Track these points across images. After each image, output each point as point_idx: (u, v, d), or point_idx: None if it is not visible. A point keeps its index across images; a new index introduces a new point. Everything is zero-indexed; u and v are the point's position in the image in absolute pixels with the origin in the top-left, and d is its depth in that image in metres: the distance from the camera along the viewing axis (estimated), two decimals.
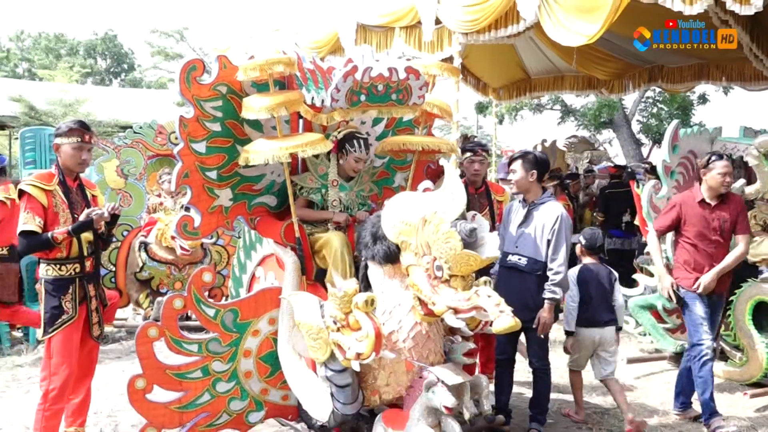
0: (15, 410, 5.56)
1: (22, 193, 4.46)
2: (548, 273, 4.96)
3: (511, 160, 5.35)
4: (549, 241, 4.96)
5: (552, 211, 5.00)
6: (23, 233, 4.40)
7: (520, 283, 4.98)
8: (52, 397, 4.40)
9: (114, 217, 4.72)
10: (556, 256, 4.94)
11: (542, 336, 5.00)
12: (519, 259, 5.01)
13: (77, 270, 4.54)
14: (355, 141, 4.85)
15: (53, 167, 4.64)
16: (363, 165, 4.97)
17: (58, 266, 4.50)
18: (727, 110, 39.64)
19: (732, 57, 10.18)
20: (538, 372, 5.15)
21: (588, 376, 5.63)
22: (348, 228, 4.92)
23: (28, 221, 4.37)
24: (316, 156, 4.87)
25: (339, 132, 4.93)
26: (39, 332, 4.63)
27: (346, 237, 4.71)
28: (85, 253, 4.58)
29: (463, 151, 6.09)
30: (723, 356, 6.63)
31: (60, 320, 4.45)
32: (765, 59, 9.52)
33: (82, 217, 4.54)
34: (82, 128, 4.62)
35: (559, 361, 6.01)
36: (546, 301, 4.91)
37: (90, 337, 4.63)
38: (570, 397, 5.76)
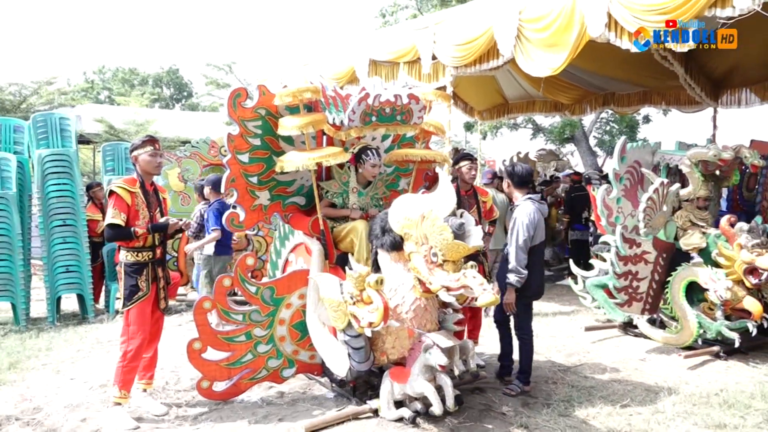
0: (99, 367, 5.59)
1: (111, 193, 4.48)
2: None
3: (503, 175, 5.38)
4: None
5: (525, 210, 4.91)
6: (110, 225, 4.42)
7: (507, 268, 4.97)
8: (130, 357, 4.42)
9: (180, 230, 4.77)
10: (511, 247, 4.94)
11: (515, 311, 4.97)
12: (506, 249, 5.02)
13: (150, 256, 4.56)
14: (369, 151, 4.86)
15: (135, 174, 4.63)
16: (378, 169, 4.97)
17: (136, 253, 4.51)
18: (666, 128, 39.42)
19: (670, 85, 10.15)
20: (523, 338, 5.06)
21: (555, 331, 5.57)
22: None
23: (114, 216, 4.39)
24: (341, 167, 4.88)
25: (354, 148, 4.94)
26: (119, 305, 4.64)
27: (368, 223, 4.71)
28: (156, 244, 4.60)
29: (457, 161, 6.07)
30: (662, 325, 6.60)
31: (136, 296, 4.47)
32: (696, 87, 9.50)
33: (162, 221, 4.60)
34: (153, 139, 4.64)
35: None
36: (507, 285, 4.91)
37: (158, 309, 4.65)
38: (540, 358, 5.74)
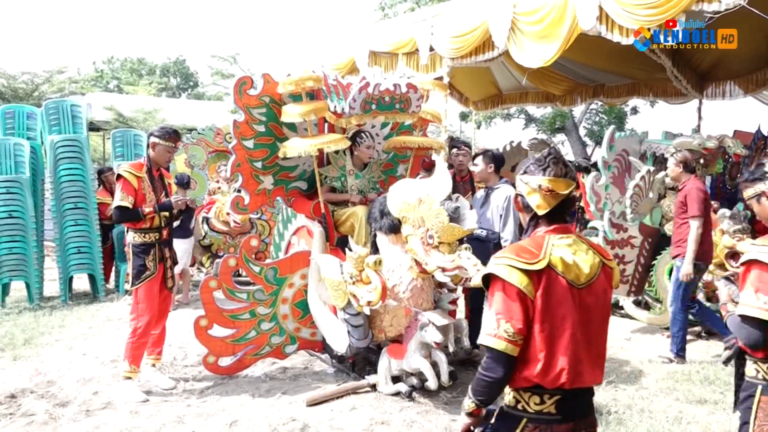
0: (109, 343, 5.61)
1: (119, 177, 4.47)
2: (501, 241, 4.97)
3: (475, 155, 5.28)
4: (501, 216, 4.96)
5: (503, 193, 4.96)
6: (118, 207, 4.41)
7: (482, 249, 4.95)
8: (139, 333, 4.43)
9: (188, 208, 4.76)
10: (505, 227, 4.94)
11: None
12: (481, 231, 4.96)
13: (157, 237, 4.56)
14: (363, 134, 4.86)
15: (143, 159, 4.61)
16: (372, 151, 4.96)
17: (143, 234, 4.51)
18: (653, 119, 39.39)
19: (658, 78, 10.10)
20: None
21: None
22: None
23: (123, 198, 4.38)
24: (337, 152, 4.87)
25: (349, 132, 4.92)
26: (128, 284, 4.65)
27: (367, 207, 4.72)
28: (162, 225, 4.59)
29: (451, 147, 6.07)
30: (647, 306, 6.64)
31: (144, 275, 4.47)
32: (683, 80, 9.47)
33: (166, 201, 4.60)
34: (176, 136, 4.64)
35: None
36: None
37: (165, 288, 4.66)
38: None
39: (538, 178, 2.03)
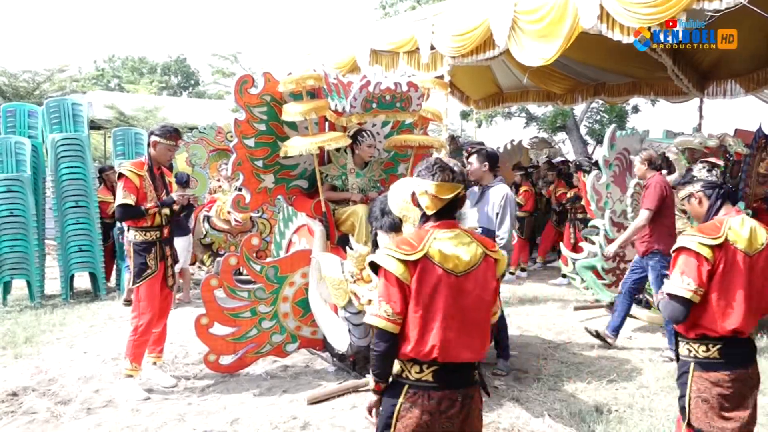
0: (111, 341, 5.62)
1: (120, 175, 4.46)
2: (495, 238, 4.97)
3: (468, 154, 5.20)
4: (497, 214, 4.96)
5: (500, 191, 4.92)
6: (121, 205, 4.41)
7: None
8: (141, 331, 4.44)
9: (188, 205, 4.78)
10: (502, 225, 4.94)
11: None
12: (477, 229, 4.96)
13: (157, 235, 4.56)
14: (364, 132, 4.86)
15: (144, 157, 4.61)
16: (374, 150, 4.95)
17: (144, 232, 4.51)
18: (654, 118, 39.31)
19: (659, 76, 10.10)
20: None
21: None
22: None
23: (125, 197, 4.38)
24: (338, 151, 4.87)
25: (350, 130, 4.92)
26: (129, 282, 4.64)
27: (368, 207, 4.71)
28: (163, 224, 4.60)
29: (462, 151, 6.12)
30: (647, 305, 6.63)
31: (146, 273, 4.47)
32: (684, 79, 9.47)
33: (167, 198, 4.62)
34: (177, 134, 4.65)
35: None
36: None
37: (166, 286, 4.66)
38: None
39: (426, 183, 2.33)
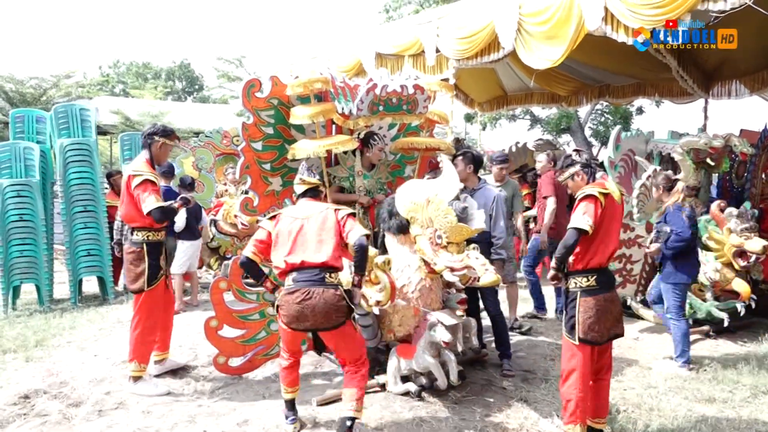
0: (120, 344, 5.64)
1: (145, 181, 4.40)
2: (492, 239, 5.00)
3: (454, 156, 5.16)
4: (491, 216, 4.98)
5: (488, 195, 5.04)
6: (158, 209, 4.37)
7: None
8: (147, 332, 4.48)
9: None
10: (496, 226, 4.99)
11: (496, 288, 4.99)
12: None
13: (163, 236, 4.63)
14: (375, 136, 4.91)
15: (145, 160, 4.57)
16: (383, 153, 5.01)
17: (156, 233, 4.57)
18: (659, 119, 39.31)
19: (663, 78, 10.08)
20: (495, 318, 5.04)
21: None
22: (370, 207, 4.95)
23: (158, 199, 4.41)
24: (345, 153, 4.90)
25: (360, 133, 4.96)
26: (143, 285, 4.58)
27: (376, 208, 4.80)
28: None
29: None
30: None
31: (160, 274, 4.52)
32: (688, 79, 9.45)
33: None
34: (175, 134, 4.71)
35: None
36: (495, 260, 4.93)
37: (166, 285, 4.72)
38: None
39: (300, 176, 3.98)
